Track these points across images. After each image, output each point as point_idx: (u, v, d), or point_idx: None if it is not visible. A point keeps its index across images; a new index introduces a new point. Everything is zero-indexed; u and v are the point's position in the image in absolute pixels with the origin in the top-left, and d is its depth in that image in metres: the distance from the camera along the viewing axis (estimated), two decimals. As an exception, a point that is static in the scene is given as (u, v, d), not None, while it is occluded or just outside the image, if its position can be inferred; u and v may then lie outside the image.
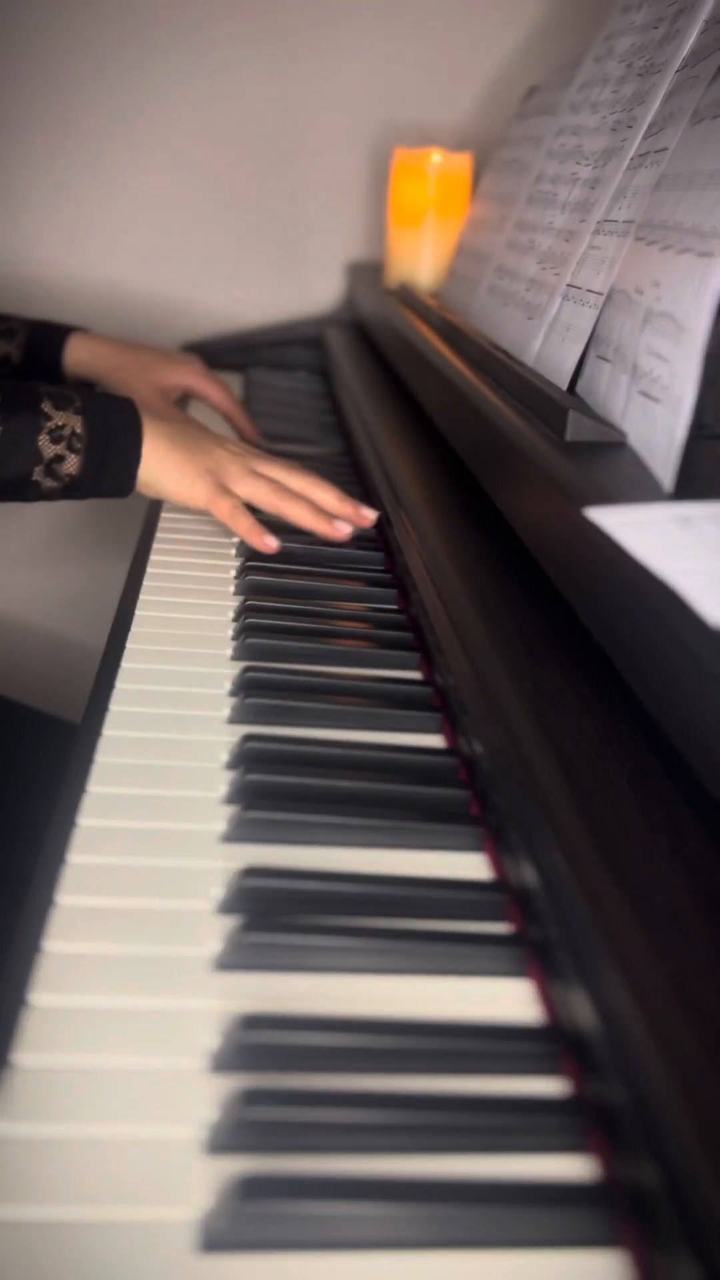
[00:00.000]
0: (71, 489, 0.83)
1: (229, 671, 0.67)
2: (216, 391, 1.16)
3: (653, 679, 0.45)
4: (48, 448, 0.80)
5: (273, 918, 0.46)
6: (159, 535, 0.88)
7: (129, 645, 0.69)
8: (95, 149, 1.47)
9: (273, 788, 0.55)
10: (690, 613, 0.40)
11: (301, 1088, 0.38)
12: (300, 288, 1.55)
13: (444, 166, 1.27)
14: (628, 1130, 0.34)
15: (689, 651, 0.40)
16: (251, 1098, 0.37)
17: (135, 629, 0.71)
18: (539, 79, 1.15)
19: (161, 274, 1.53)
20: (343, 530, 0.85)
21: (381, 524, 0.87)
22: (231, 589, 0.79)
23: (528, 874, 0.46)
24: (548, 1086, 0.40)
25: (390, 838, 0.52)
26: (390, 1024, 0.41)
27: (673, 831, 0.43)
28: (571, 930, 0.41)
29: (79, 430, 0.81)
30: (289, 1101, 0.38)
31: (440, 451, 0.89)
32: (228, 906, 0.47)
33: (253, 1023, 0.40)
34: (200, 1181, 0.35)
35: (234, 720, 0.61)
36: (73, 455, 0.81)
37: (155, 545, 0.86)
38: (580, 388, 0.71)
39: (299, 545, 0.84)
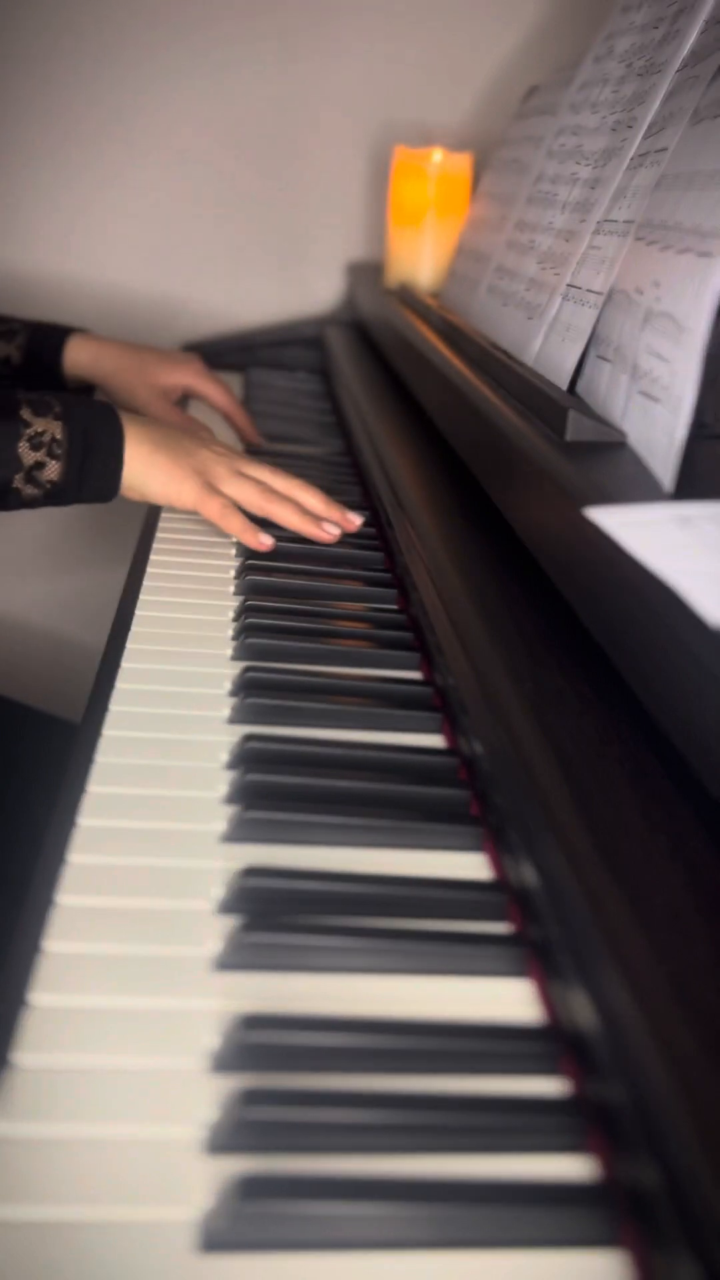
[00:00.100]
0: (54, 496, 0.82)
1: (229, 671, 0.67)
2: (217, 391, 1.16)
3: (653, 679, 0.45)
4: (28, 455, 0.80)
5: (273, 918, 0.46)
6: (159, 535, 0.88)
7: (129, 645, 0.69)
8: (95, 149, 1.47)
9: (273, 788, 0.55)
10: (690, 613, 0.41)
11: (301, 1088, 0.38)
12: (300, 288, 1.55)
13: (444, 166, 1.27)
14: (628, 1130, 0.34)
15: (689, 651, 0.40)
16: (251, 1098, 0.37)
17: (135, 629, 0.71)
18: (539, 79, 1.15)
19: (161, 274, 1.53)
20: (331, 533, 0.85)
21: (381, 524, 0.88)
22: (231, 589, 0.79)
23: (528, 874, 0.46)
24: (548, 1086, 0.40)
25: (390, 838, 0.52)
26: (390, 1024, 0.41)
27: (673, 831, 0.43)
28: (571, 930, 0.41)
29: (59, 436, 0.81)
30: (289, 1101, 0.38)
31: (440, 451, 0.89)
32: (228, 906, 0.47)
33: (253, 1023, 0.40)
34: (200, 1181, 0.35)
35: (234, 720, 0.61)
36: (53, 461, 0.81)
37: (155, 545, 0.86)
38: (580, 388, 0.71)
39: (299, 545, 0.84)
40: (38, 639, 1.65)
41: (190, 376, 1.16)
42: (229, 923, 0.46)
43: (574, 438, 0.62)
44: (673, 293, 0.57)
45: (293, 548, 0.84)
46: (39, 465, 0.81)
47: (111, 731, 0.59)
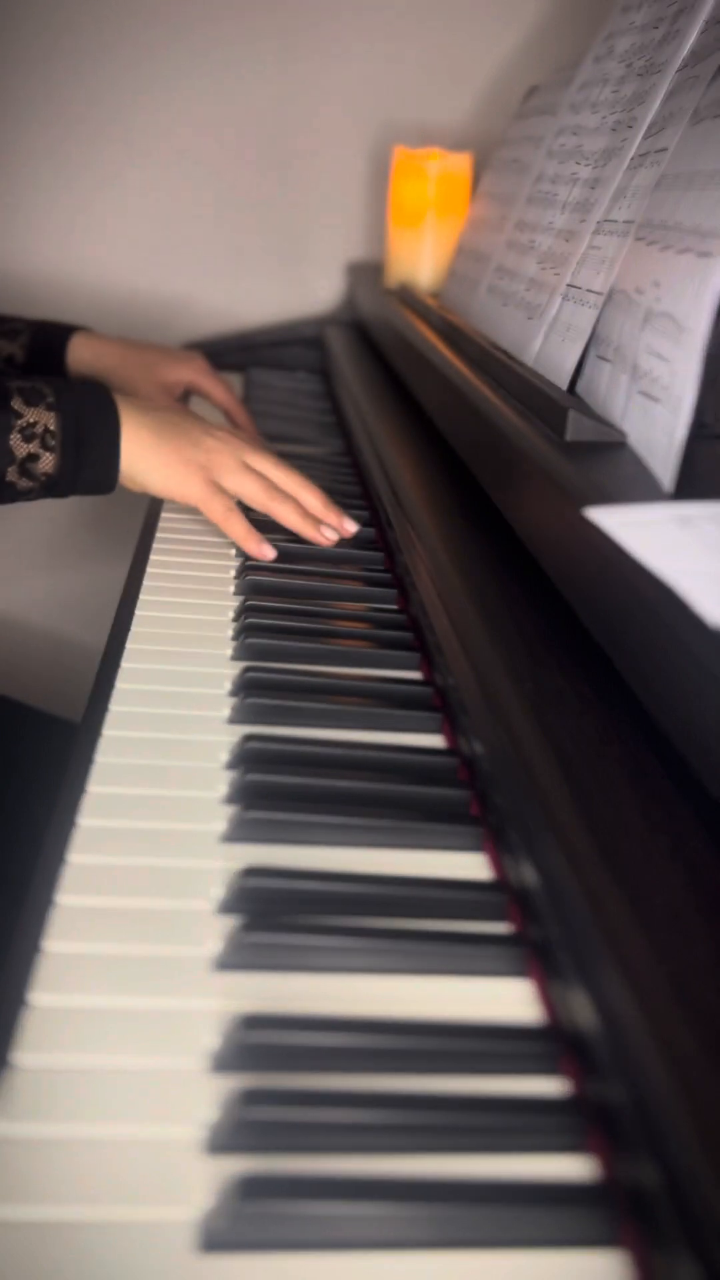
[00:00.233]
0: (50, 488, 0.81)
1: (229, 671, 0.67)
2: (218, 389, 1.16)
3: (653, 679, 0.45)
4: (20, 447, 0.79)
5: (273, 918, 0.46)
6: (159, 535, 0.88)
7: (129, 645, 0.69)
8: (95, 149, 1.47)
9: (273, 788, 0.55)
10: (690, 613, 0.41)
11: (301, 1088, 0.38)
12: (300, 287, 1.55)
13: (444, 166, 1.27)
14: (628, 1130, 0.34)
15: (689, 651, 0.40)
16: (251, 1098, 0.37)
17: (135, 629, 0.71)
18: (539, 79, 1.15)
19: (162, 273, 1.53)
20: (328, 537, 0.84)
21: (381, 524, 0.87)
22: (231, 589, 0.79)
23: (528, 874, 0.46)
24: (548, 1086, 0.40)
25: (390, 838, 0.52)
26: (390, 1024, 0.41)
27: (673, 831, 0.43)
28: (571, 930, 0.41)
29: (52, 427, 0.80)
30: (289, 1101, 0.38)
31: (440, 451, 0.89)
32: (228, 906, 0.47)
33: (253, 1023, 0.40)
34: (200, 1181, 0.35)
35: (234, 720, 0.61)
36: (47, 453, 0.80)
37: (155, 545, 0.86)
38: (580, 388, 0.71)
39: (299, 546, 0.84)
40: (38, 639, 1.65)
41: (193, 373, 1.16)
42: (229, 923, 0.46)
43: (574, 438, 0.62)
44: (673, 293, 0.57)
45: (293, 548, 0.84)
46: (32, 457, 0.80)
47: (111, 731, 0.59)
